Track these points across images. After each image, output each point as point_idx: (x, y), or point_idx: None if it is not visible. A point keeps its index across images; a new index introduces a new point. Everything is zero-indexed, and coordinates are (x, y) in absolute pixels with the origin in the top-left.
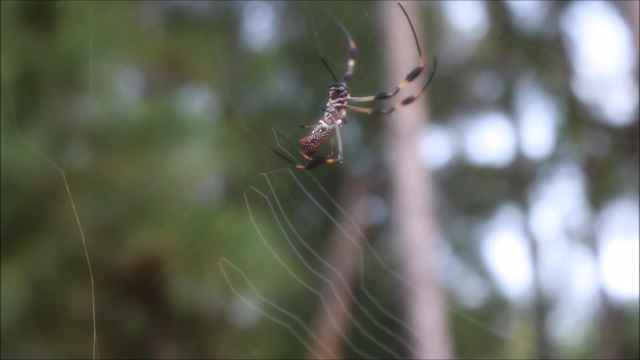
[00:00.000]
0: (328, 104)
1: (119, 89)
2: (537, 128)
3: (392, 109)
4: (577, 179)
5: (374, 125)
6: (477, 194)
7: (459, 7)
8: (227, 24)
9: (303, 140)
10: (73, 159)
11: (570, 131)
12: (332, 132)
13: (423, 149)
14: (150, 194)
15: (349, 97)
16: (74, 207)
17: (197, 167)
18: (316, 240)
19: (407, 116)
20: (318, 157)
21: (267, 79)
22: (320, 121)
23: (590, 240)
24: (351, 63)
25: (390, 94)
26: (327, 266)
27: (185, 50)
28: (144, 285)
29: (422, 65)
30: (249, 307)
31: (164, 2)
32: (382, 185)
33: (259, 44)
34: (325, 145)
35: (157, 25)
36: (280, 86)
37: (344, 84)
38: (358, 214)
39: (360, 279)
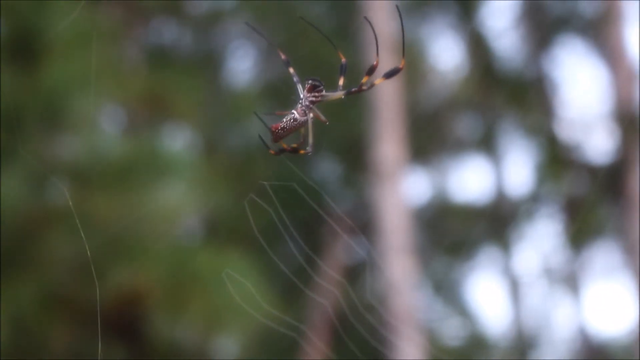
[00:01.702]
0: (302, 97)
1: (101, 127)
2: (517, 168)
3: (373, 84)
4: (558, 218)
5: (355, 164)
6: (458, 234)
7: (440, 47)
8: (209, 63)
9: (274, 125)
10: (54, 195)
11: (551, 171)
12: (302, 123)
13: (404, 188)
14: (130, 231)
15: (324, 92)
16: (81, 231)
17: (178, 204)
18: (297, 279)
19: (388, 155)
20: (290, 146)
21: (249, 118)
22: (293, 111)
23: (570, 280)
24: (341, 82)
25: (364, 88)
26: (309, 304)
27: (167, 88)
28: (123, 322)
29: (402, 66)
30: (229, 345)
31: (147, 40)
32: (363, 224)
33: (241, 83)
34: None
35: (139, 63)
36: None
37: (318, 79)
38: (338, 252)
39: (341, 318)
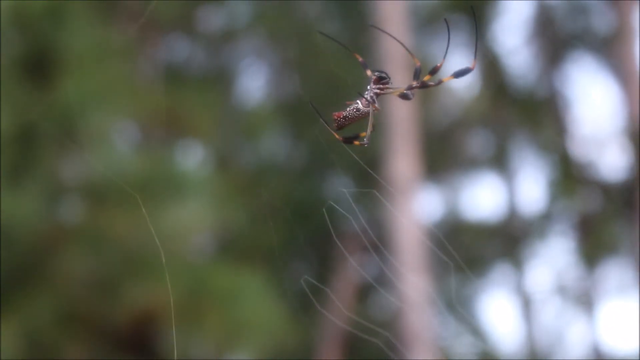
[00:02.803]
0: (369, 87)
1: (116, 143)
2: (530, 185)
3: (441, 81)
4: (571, 236)
5: (368, 181)
6: (470, 251)
7: (452, 65)
8: (223, 80)
9: (336, 114)
10: (69, 213)
11: (564, 188)
12: (364, 114)
13: (418, 205)
14: (145, 248)
15: (389, 85)
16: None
17: (192, 221)
18: (309, 296)
19: (402, 172)
20: (347, 137)
21: (262, 135)
22: (358, 101)
23: (584, 297)
24: (414, 84)
25: (431, 84)
26: (321, 319)
27: (181, 105)
28: (139, 339)
29: (473, 66)
30: None
31: (161, 57)
32: (375, 241)
33: (254, 100)
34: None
35: (154, 80)
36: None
37: (385, 72)
38: (351, 269)
39: (353, 334)
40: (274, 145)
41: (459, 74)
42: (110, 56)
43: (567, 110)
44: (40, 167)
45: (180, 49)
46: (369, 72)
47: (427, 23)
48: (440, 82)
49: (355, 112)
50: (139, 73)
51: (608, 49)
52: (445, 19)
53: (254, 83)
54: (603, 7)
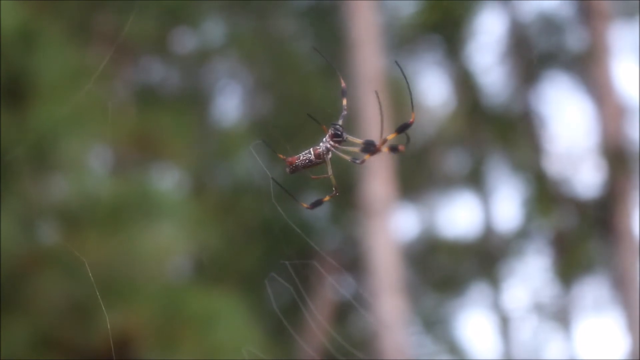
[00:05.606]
0: (324, 140)
1: (90, 167)
2: (506, 203)
3: (386, 140)
4: (547, 253)
5: (343, 201)
6: (447, 270)
7: (427, 83)
8: (197, 101)
9: (290, 159)
10: (43, 237)
11: (540, 206)
12: (314, 165)
13: (393, 225)
14: (120, 271)
15: (340, 145)
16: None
17: (168, 244)
18: (285, 317)
19: (377, 193)
20: (318, 200)
21: (237, 156)
22: (311, 150)
23: (560, 315)
24: (344, 102)
25: (377, 144)
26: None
27: (155, 127)
28: None
29: (412, 121)
30: None
31: (135, 79)
32: (351, 261)
33: (229, 121)
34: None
35: (128, 102)
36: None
37: (341, 130)
38: (327, 290)
39: (330, 357)
40: (250, 166)
41: (400, 129)
42: (84, 80)
43: (542, 128)
44: (14, 191)
45: (154, 71)
46: (344, 101)
47: (401, 43)
48: (385, 141)
49: (306, 162)
50: (113, 96)
51: (582, 66)
52: (381, 115)
53: (229, 104)
54: (577, 25)
